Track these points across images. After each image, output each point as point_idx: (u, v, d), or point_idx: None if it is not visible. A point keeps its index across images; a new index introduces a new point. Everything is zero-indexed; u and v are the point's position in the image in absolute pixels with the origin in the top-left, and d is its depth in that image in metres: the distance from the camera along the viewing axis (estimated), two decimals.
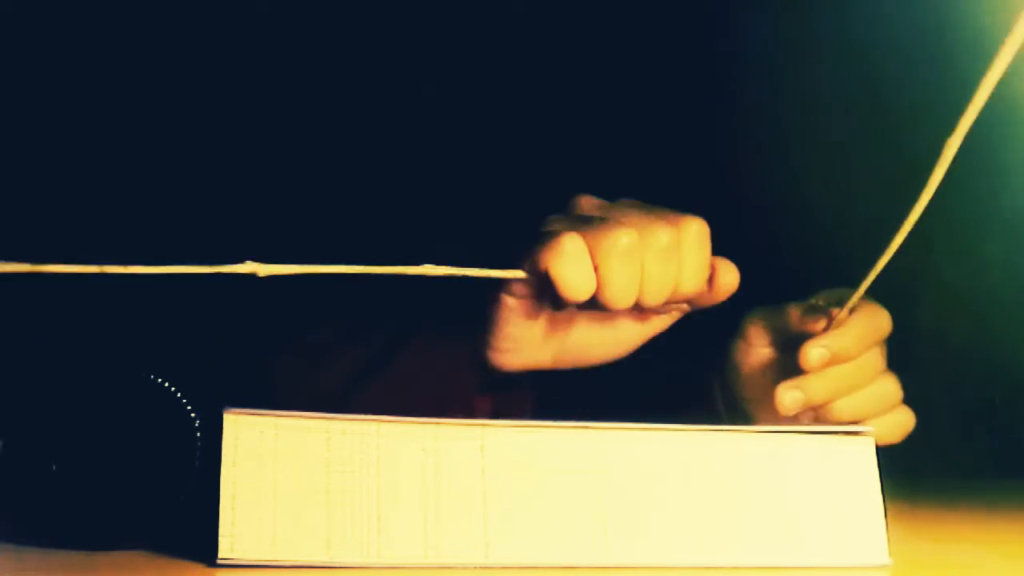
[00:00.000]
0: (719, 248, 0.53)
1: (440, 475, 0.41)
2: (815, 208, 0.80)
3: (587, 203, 0.53)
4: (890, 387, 0.59)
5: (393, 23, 0.73)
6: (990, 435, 0.85)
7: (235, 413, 0.40)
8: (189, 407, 0.42)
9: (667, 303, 0.52)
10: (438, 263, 0.46)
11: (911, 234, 0.47)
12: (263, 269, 0.41)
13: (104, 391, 0.42)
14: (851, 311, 0.55)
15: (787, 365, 0.57)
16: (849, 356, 0.56)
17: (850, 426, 0.45)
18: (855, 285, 0.54)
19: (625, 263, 0.49)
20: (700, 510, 0.42)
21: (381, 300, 0.58)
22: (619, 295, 0.49)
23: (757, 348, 0.60)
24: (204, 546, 0.39)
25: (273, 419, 0.40)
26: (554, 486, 0.41)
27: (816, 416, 0.56)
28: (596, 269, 0.49)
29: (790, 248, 0.80)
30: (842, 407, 0.57)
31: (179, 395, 0.42)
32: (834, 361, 0.56)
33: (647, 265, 0.50)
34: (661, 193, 0.53)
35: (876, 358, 0.58)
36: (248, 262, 0.41)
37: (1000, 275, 0.82)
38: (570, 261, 0.48)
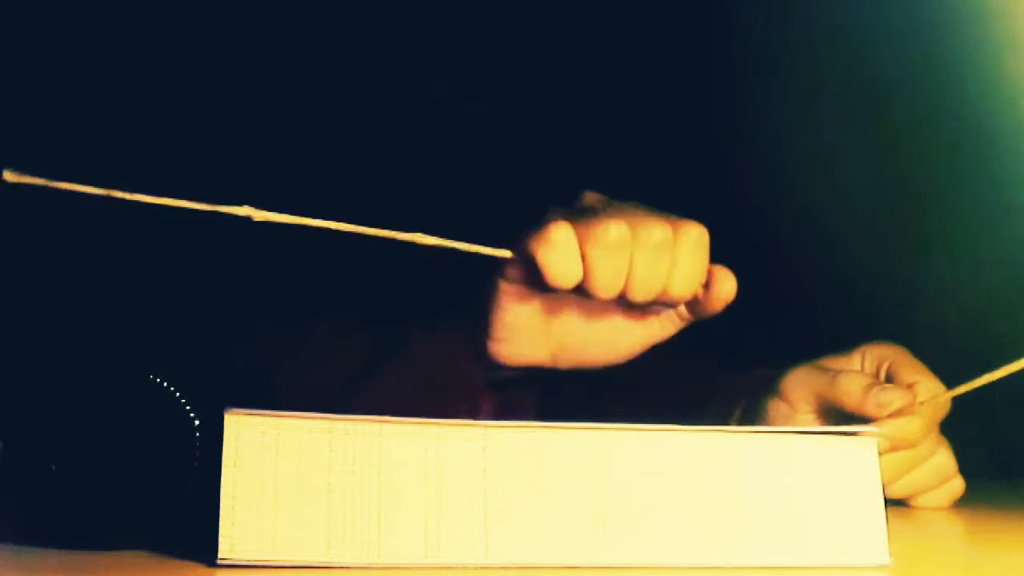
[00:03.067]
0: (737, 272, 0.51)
1: (441, 475, 0.41)
2: (831, 231, 0.79)
3: (590, 198, 0.53)
4: (945, 461, 0.57)
5: (397, 21, 0.73)
6: (990, 435, 0.85)
7: (236, 413, 0.40)
8: (189, 407, 0.42)
9: (657, 302, 0.52)
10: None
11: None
12: (258, 214, 0.41)
13: (104, 391, 0.42)
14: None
15: (822, 421, 0.55)
16: (913, 444, 0.53)
17: (852, 426, 0.45)
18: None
19: (612, 255, 0.49)
20: (700, 510, 0.42)
21: (378, 294, 0.58)
22: (603, 285, 0.50)
23: (801, 414, 0.56)
24: (204, 546, 0.39)
25: (274, 419, 0.40)
26: (555, 486, 0.41)
27: None
28: (584, 258, 0.49)
29: (808, 275, 0.79)
30: (898, 487, 0.55)
31: (179, 395, 0.42)
32: (894, 449, 0.53)
33: (636, 260, 0.50)
34: (667, 199, 0.53)
35: (935, 438, 0.56)
36: (245, 206, 0.41)
37: (1000, 275, 0.82)
38: (556, 248, 0.49)
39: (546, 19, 0.79)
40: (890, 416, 0.52)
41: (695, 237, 0.51)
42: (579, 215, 0.51)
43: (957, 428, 0.61)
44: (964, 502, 0.68)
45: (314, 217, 0.44)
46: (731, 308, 0.54)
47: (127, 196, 0.41)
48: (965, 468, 0.63)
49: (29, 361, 0.42)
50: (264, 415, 0.40)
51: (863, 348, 0.59)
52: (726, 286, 0.52)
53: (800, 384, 0.56)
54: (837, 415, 0.55)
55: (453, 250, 0.48)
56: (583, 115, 0.80)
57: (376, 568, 0.40)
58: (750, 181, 0.82)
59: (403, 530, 0.40)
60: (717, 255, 0.52)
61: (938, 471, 0.57)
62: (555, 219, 0.50)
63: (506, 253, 0.50)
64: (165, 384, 0.42)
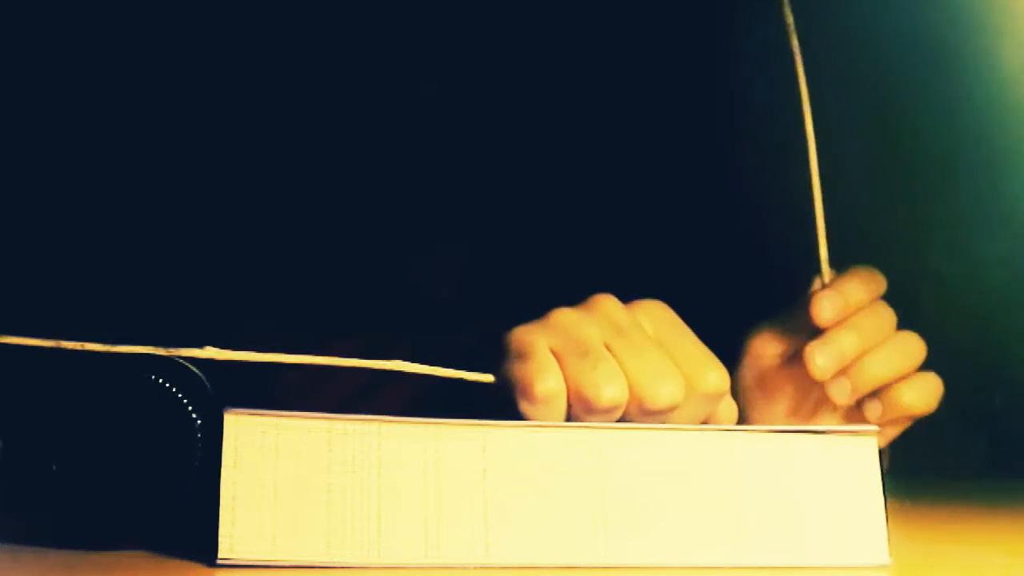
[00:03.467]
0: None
1: (441, 475, 0.41)
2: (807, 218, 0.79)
3: (602, 306, 0.46)
4: (913, 340, 0.58)
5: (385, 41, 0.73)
6: (990, 435, 0.85)
7: (236, 413, 0.40)
8: (189, 407, 0.42)
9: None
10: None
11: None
12: (221, 354, 0.41)
13: (104, 391, 0.42)
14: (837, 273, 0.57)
15: (799, 373, 0.56)
16: (860, 301, 0.56)
17: (852, 426, 0.45)
18: None
19: (603, 418, 0.44)
20: (700, 510, 0.42)
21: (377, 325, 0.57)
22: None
23: (766, 360, 0.59)
24: (204, 546, 0.39)
25: (274, 419, 0.40)
26: (554, 486, 0.41)
27: (853, 388, 0.55)
28: (570, 406, 0.44)
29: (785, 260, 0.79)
30: (873, 364, 0.56)
31: (179, 395, 0.42)
32: (847, 308, 0.55)
33: (634, 419, 0.45)
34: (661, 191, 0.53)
35: (887, 309, 0.57)
36: (208, 347, 0.41)
37: (1000, 275, 0.82)
38: (541, 407, 0.43)
39: (545, 19, 0.79)
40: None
41: (710, 393, 0.46)
42: (575, 343, 0.44)
43: (958, 428, 0.61)
44: (964, 502, 0.68)
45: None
46: (730, 308, 0.54)
47: (78, 347, 0.40)
48: (965, 468, 0.63)
49: (29, 361, 0.42)
50: (264, 415, 0.40)
51: None
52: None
53: (761, 336, 0.60)
54: (798, 361, 0.57)
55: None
56: (582, 114, 0.80)
57: (376, 568, 0.40)
58: (749, 180, 0.82)
59: (403, 530, 0.40)
60: (717, 254, 0.52)
61: (906, 348, 0.58)
62: (542, 363, 0.43)
63: (488, 378, 0.46)
64: (165, 384, 0.42)
